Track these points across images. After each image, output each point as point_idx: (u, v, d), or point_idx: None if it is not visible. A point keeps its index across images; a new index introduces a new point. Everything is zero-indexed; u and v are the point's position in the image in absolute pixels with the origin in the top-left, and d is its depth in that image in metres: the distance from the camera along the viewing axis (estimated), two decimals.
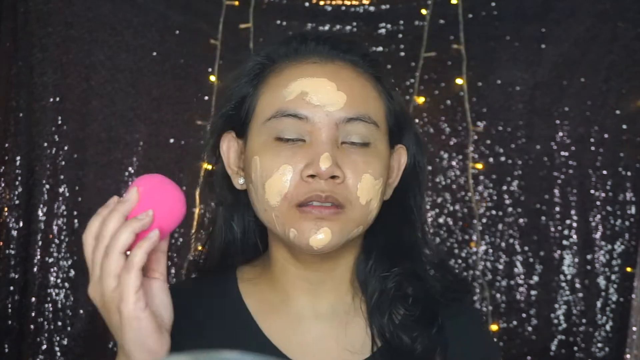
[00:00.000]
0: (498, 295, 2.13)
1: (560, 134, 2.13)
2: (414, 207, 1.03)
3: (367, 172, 0.90)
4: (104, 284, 0.79)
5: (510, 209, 2.14)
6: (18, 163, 2.09)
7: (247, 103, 0.96)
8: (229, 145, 0.98)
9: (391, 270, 0.97)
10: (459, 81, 2.11)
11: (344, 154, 0.90)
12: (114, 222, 0.80)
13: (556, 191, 2.13)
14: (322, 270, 0.96)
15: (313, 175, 0.88)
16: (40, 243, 2.10)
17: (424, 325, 0.96)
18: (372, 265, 0.98)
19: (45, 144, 2.10)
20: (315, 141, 0.89)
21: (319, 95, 0.90)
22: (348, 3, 2.16)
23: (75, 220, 2.12)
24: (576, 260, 2.11)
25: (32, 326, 2.09)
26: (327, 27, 2.16)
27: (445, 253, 2.10)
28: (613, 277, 2.09)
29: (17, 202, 2.09)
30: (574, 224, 2.12)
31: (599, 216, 2.11)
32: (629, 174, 2.10)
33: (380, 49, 2.14)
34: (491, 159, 2.14)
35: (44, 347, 2.09)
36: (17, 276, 2.09)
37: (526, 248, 2.13)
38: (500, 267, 2.14)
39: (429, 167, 1.01)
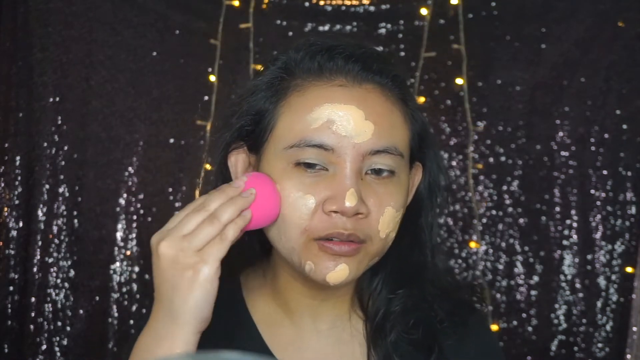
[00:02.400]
0: (498, 295, 2.13)
1: (560, 134, 2.12)
2: (425, 227, 1.00)
3: (389, 205, 0.88)
4: (193, 243, 0.80)
5: (510, 209, 2.14)
6: (18, 163, 2.09)
7: (265, 120, 0.90)
8: (237, 158, 0.94)
9: (397, 292, 0.95)
10: (459, 81, 2.11)
11: (367, 186, 0.87)
12: (221, 198, 0.83)
13: (556, 191, 2.13)
14: (328, 290, 0.95)
15: (336, 211, 0.85)
16: (40, 243, 2.10)
17: (423, 350, 0.94)
18: (379, 286, 0.96)
19: (45, 144, 2.10)
20: (340, 174, 0.85)
21: (346, 125, 0.85)
22: (348, 3, 2.15)
23: (75, 220, 2.12)
24: (576, 260, 2.11)
25: (31, 326, 2.09)
26: (327, 27, 2.15)
27: (446, 253, 2.10)
28: (613, 277, 2.09)
29: (17, 202, 2.09)
30: (574, 224, 2.11)
31: (599, 216, 2.11)
32: (629, 174, 2.09)
33: (380, 49, 2.13)
34: (491, 159, 2.13)
35: (44, 347, 2.09)
36: (16, 276, 2.09)
37: (526, 248, 2.13)
38: (501, 267, 2.14)
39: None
